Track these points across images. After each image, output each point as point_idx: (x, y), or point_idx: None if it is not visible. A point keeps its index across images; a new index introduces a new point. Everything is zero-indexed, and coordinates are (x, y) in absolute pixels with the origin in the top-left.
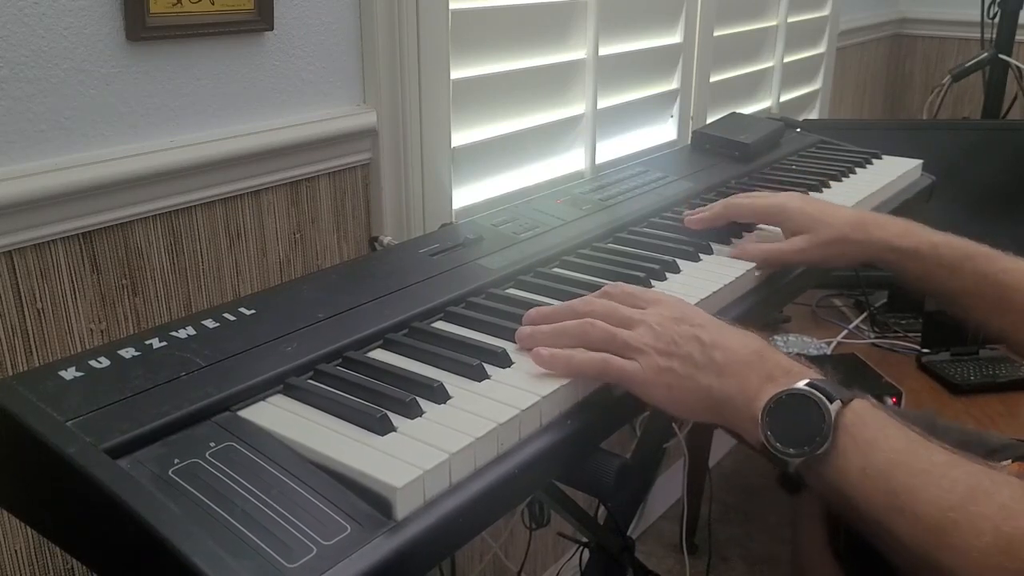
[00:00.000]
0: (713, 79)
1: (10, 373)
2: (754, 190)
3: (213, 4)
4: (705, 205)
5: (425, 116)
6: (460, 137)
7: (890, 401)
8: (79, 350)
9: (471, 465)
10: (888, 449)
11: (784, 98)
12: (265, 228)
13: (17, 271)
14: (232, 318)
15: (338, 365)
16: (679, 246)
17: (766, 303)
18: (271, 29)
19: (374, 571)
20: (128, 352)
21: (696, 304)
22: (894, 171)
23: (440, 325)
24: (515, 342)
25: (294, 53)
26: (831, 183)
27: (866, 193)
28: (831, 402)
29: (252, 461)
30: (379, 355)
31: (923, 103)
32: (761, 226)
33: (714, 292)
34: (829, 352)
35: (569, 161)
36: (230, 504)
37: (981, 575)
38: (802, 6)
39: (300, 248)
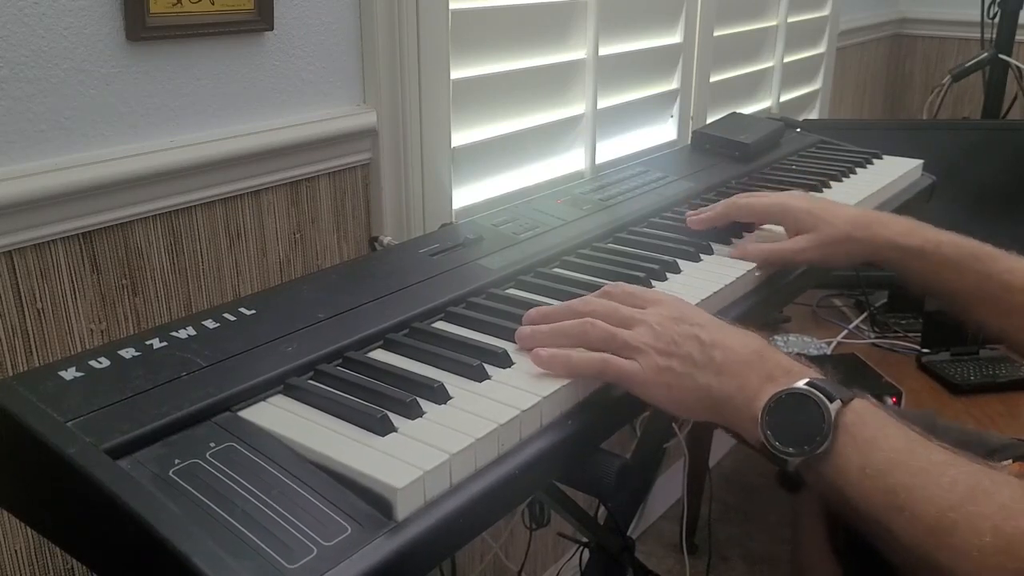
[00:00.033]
0: (713, 79)
1: (10, 373)
2: (754, 190)
3: (213, 4)
4: (706, 205)
5: (425, 116)
6: (460, 137)
7: (890, 401)
8: (79, 350)
9: (472, 466)
10: (888, 448)
11: (784, 98)
12: (265, 228)
13: (17, 271)
14: (232, 318)
15: (338, 365)
16: (679, 246)
17: (766, 303)
18: (271, 29)
19: (375, 571)
20: (128, 352)
21: (697, 304)
22: (894, 171)
23: (440, 325)
24: (515, 342)
25: (294, 53)
26: (831, 183)
27: (866, 193)
28: (831, 401)
29: (252, 461)
30: (379, 355)
31: (923, 103)
32: (764, 226)
33: (714, 292)
34: (829, 352)
35: (569, 161)
36: (230, 504)
37: (980, 575)
38: (802, 6)
39: (300, 248)
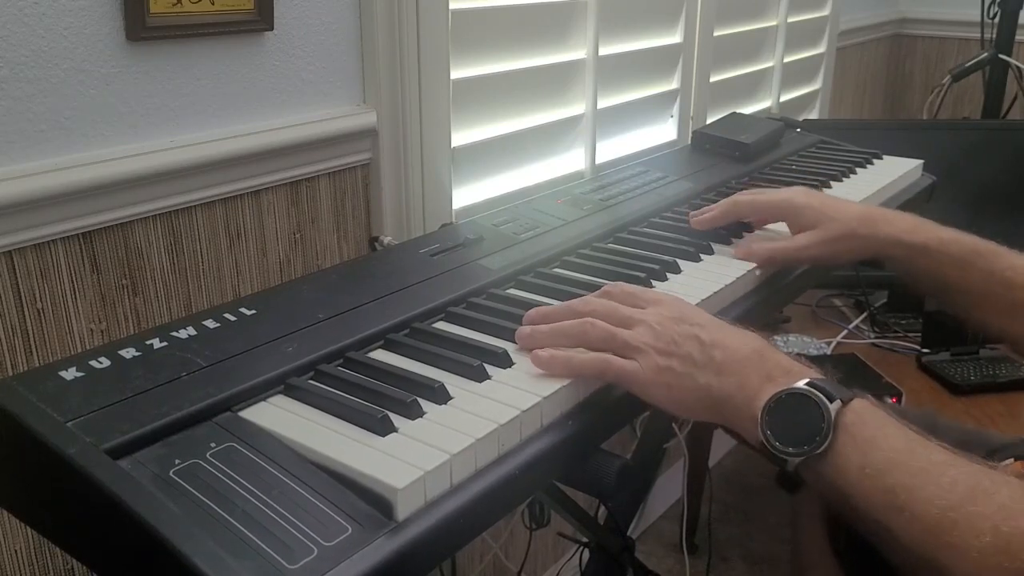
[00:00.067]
0: (713, 79)
1: (10, 373)
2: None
3: (213, 4)
4: (707, 205)
5: (425, 116)
6: (460, 137)
7: (890, 401)
8: (79, 350)
9: (472, 466)
10: (887, 448)
11: (784, 98)
12: (265, 228)
13: (17, 271)
14: (232, 318)
15: (339, 365)
16: (680, 246)
17: (766, 303)
18: (271, 29)
19: (375, 572)
20: (128, 352)
21: (697, 304)
22: (894, 171)
23: (441, 325)
24: (516, 342)
25: (294, 53)
26: (832, 183)
27: (867, 193)
28: (831, 401)
29: (253, 462)
30: (380, 355)
31: (923, 103)
32: (766, 227)
33: (715, 292)
34: (829, 352)
35: (569, 161)
36: (231, 505)
37: (980, 575)
38: (802, 6)
39: (300, 248)
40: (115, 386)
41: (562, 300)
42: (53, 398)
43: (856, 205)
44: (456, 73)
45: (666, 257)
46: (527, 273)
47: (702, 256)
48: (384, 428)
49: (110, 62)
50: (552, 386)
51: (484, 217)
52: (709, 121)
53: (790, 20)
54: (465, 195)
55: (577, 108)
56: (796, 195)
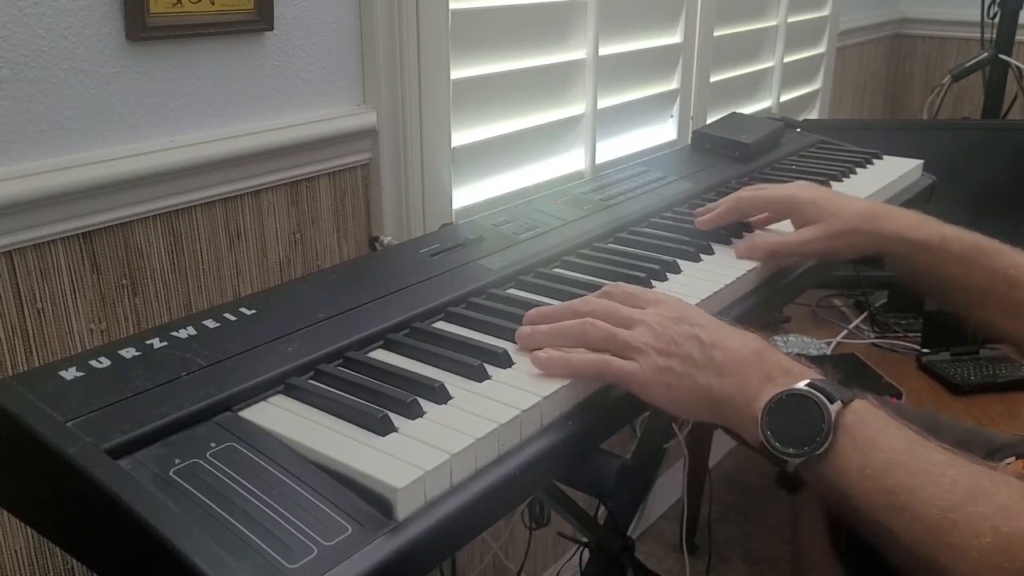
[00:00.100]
0: (713, 79)
1: (10, 373)
2: None
3: (213, 4)
4: (708, 205)
5: (425, 116)
6: (460, 137)
7: (890, 401)
8: (79, 350)
9: (472, 466)
10: (888, 449)
11: (784, 98)
12: (265, 228)
13: (17, 271)
14: (232, 318)
15: (339, 365)
16: (680, 246)
17: (766, 303)
18: (271, 29)
19: (375, 571)
20: (128, 352)
21: (697, 304)
22: (894, 171)
23: (441, 325)
24: (516, 342)
25: (294, 53)
26: (832, 183)
27: (866, 193)
28: (831, 402)
29: (253, 461)
30: (380, 355)
31: (923, 103)
32: (768, 227)
33: (715, 292)
34: (829, 352)
35: (569, 161)
36: (231, 504)
37: (980, 575)
38: (802, 6)
39: (300, 248)
40: (115, 386)
41: (562, 300)
42: (53, 398)
43: (859, 201)
44: (456, 73)
45: (666, 257)
46: (527, 273)
47: (702, 256)
48: (384, 428)
49: (110, 62)
50: (552, 386)
51: (484, 217)
52: (709, 121)
53: (790, 20)
54: (465, 195)
55: (577, 108)
56: (799, 190)
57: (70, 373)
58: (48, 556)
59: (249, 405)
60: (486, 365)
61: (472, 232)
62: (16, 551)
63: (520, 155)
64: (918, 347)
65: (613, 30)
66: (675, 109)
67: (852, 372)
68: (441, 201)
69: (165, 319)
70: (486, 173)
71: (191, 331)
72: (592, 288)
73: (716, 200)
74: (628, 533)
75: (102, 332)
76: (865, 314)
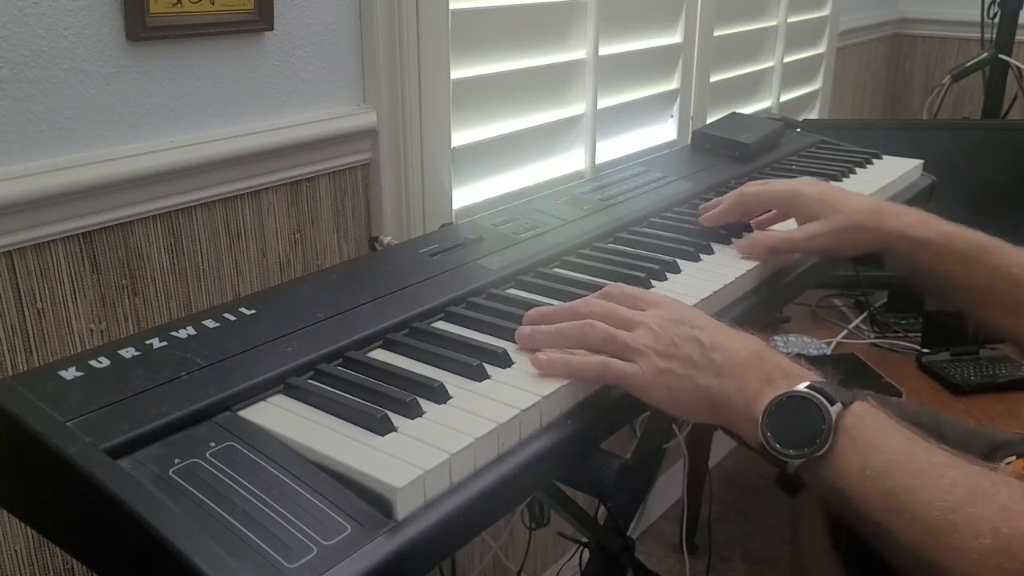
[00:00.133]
0: (713, 79)
1: (10, 373)
2: None
3: (213, 4)
4: (712, 201)
5: (425, 116)
6: (460, 137)
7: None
8: (79, 350)
9: (471, 465)
10: (887, 450)
11: (784, 98)
12: (265, 228)
13: (17, 271)
14: (232, 318)
15: (338, 365)
16: (679, 246)
17: (766, 303)
18: (271, 29)
19: (374, 571)
20: (128, 352)
21: (696, 304)
22: (894, 171)
23: (440, 325)
24: (515, 342)
25: (294, 53)
26: (831, 183)
27: (867, 193)
28: (831, 404)
29: (252, 461)
30: (379, 355)
31: (923, 103)
32: (771, 227)
33: (714, 292)
34: (829, 352)
35: (569, 161)
36: (230, 504)
37: None
38: (802, 6)
39: (300, 248)
40: (115, 386)
41: (562, 300)
42: (53, 398)
43: (863, 197)
44: (456, 73)
45: (666, 257)
46: (527, 273)
47: (702, 256)
48: (383, 427)
49: (110, 62)
50: (551, 386)
51: (484, 217)
52: (709, 121)
53: (790, 20)
54: (465, 195)
55: (577, 108)
56: (803, 185)
57: (70, 373)
58: (48, 556)
59: (249, 405)
60: (486, 365)
61: (472, 232)
62: (16, 551)
63: (520, 155)
64: (918, 347)
65: (613, 30)
66: (675, 109)
67: (852, 372)
68: (441, 201)
69: (165, 319)
70: (486, 173)
71: (191, 331)
72: (592, 288)
73: (718, 198)
74: (628, 533)
75: (102, 332)
76: (865, 314)
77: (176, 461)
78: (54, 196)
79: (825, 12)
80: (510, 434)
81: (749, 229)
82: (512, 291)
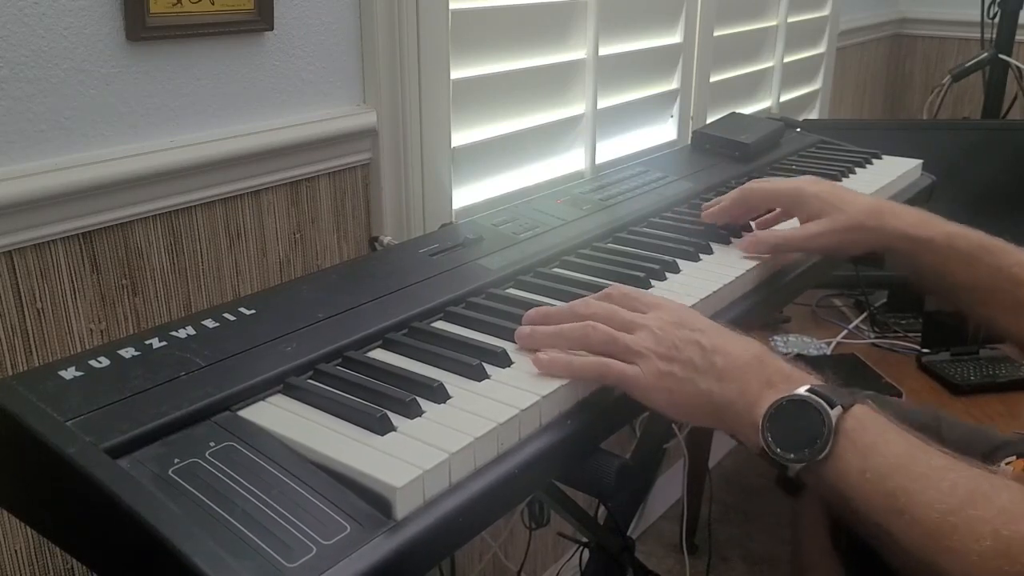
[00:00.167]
0: (713, 79)
1: (10, 373)
2: None
3: (213, 4)
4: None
5: (425, 116)
6: (460, 137)
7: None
8: (79, 350)
9: (471, 465)
10: (888, 453)
11: (784, 98)
12: (265, 228)
13: (17, 271)
14: (232, 318)
15: (338, 365)
16: (679, 246)
17: (766, 303)
18: (271, 29)
19: (374, 571)
20: (128, 352)
21: (696, 304)
22: (894, 171)
23: (440, 325)
24: (515, 342)
25: (294, 53)
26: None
27: (866, 193)
28: (831, 407)
29: (252, 461)
30: (379, 355)
31: (923, 103)
32: (773, 228)
33: (714, 292)
34: (829, 352)
35: (569, 161)
36: (230, 504)
37: None
38: (802, 6)
39: (300, 248)
40: (114, 386)
41: (562, 300)
42: (53, 398)
43: (865, 197)
44: (456, 73)
45: (665, 257)
46: (526, 273)
47: (701, 256)
48: (383, 427)
49: (110, 62)
50: (551, 385)
51: (484, 217)
52: (709, 121)
53: (790, 20)
54: (465, 195)
55: (577, 108)
56: (806, 184)
57: (70, 373)
58: (48, 556)
59: (248, 405)
60: (485, 364)
61: (472, 232)
62: (16, 551)
63: (520, 155)
64: (918, 347)
65: (613, 30)
66: (675, 109)
67: (852, 372)
68: (441, 201)
69: (165, 319)
70: (486, 173)
71: (190, 331)
72: (591, 288)
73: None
74: (628, 533)
75: (102, 332)
76: (865, 314)
77: (176, 461)
78: (54, 196)
79: (825, 12)
80: (510, 434)
81: (749, 229)
82: (512, 291)
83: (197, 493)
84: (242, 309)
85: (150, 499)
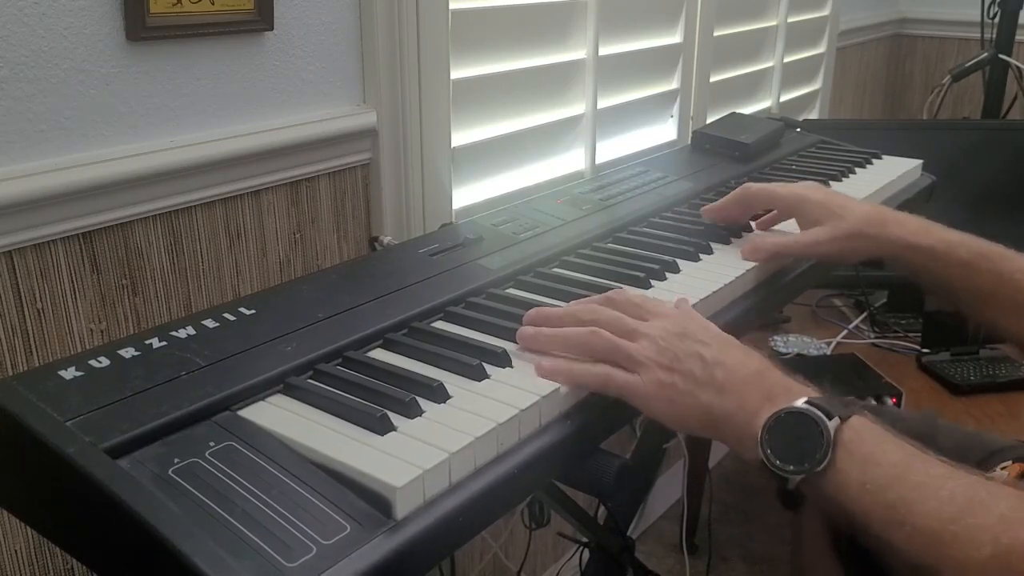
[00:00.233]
0: (713, 79)
1: (10, 373)
2: None
3: (213, 4)
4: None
5: (425, 116)
6: (460, 137)
7: (890, 401)
8: (79, 350)
9: (471, 465)
10: (886, 463)
11: (784, 98)
12: (265, 228)
13: (17, 271)
14: (232, 318)
15: (338, 365)
16: (679, 246)
17: (765, 303)
18: (271, 29)
19: (374, 570)
20: (128, 352)
21: (696, 304)
22: (894, 171)
23: (440, 325)
24: (515, 342)
25: (294, 53)
26: (831, 183)
27: (866, 193)
28: (829, 419)
29: (252, 461)
30: (379, 355)
31: (923, 103)
32: (773, 228)
33: (714, 292)
34: (829, 352)
35: (569, 161)
36: (230, 504)
37: None
38: (802, 6)
39: (300, 248)
40: (114, 386)
41: (562, 300)
42: (53, 398)
43: (865, 205)
44: (456, 73)
45: (665, 257)
46: (526, 273)
47: (701, 256)
48: (383, 427)
49: (110, 62)
50: (551, 385)
51: (484, 217)
52: (709, 121)
53: (790, 20)
54: (465, 195)
55: (577, 108)
56: (808, 190)
57: (70, 373)
58: (48, 556)
59: (248, 404)
60: (485, 364)
61: (472, 232)
62: (16, 551)
63: (520, 155)
64: (918, 347)
65: (613, 30)
66: (675, 109)
67: (852, 372)
68: (441, 201)
69: (165, 319)
70: (486, 173)
71: (190, 331)
72: (591, 288)
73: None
74: (628, 533)
75: (102, 332)
76: (865, 314)
77: (176, 461)
78: (54, 196)
79: (825, 12)
80: (509, 434)
81: (749, 229)
82: (512, 291)
83: (197, 493)
84: (242, 309)
85: (150, 499)
